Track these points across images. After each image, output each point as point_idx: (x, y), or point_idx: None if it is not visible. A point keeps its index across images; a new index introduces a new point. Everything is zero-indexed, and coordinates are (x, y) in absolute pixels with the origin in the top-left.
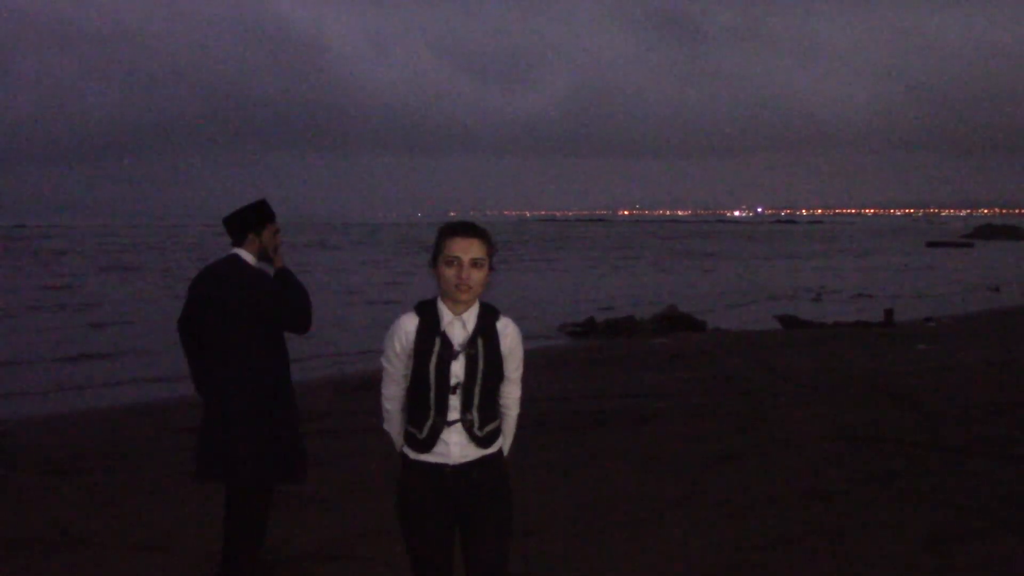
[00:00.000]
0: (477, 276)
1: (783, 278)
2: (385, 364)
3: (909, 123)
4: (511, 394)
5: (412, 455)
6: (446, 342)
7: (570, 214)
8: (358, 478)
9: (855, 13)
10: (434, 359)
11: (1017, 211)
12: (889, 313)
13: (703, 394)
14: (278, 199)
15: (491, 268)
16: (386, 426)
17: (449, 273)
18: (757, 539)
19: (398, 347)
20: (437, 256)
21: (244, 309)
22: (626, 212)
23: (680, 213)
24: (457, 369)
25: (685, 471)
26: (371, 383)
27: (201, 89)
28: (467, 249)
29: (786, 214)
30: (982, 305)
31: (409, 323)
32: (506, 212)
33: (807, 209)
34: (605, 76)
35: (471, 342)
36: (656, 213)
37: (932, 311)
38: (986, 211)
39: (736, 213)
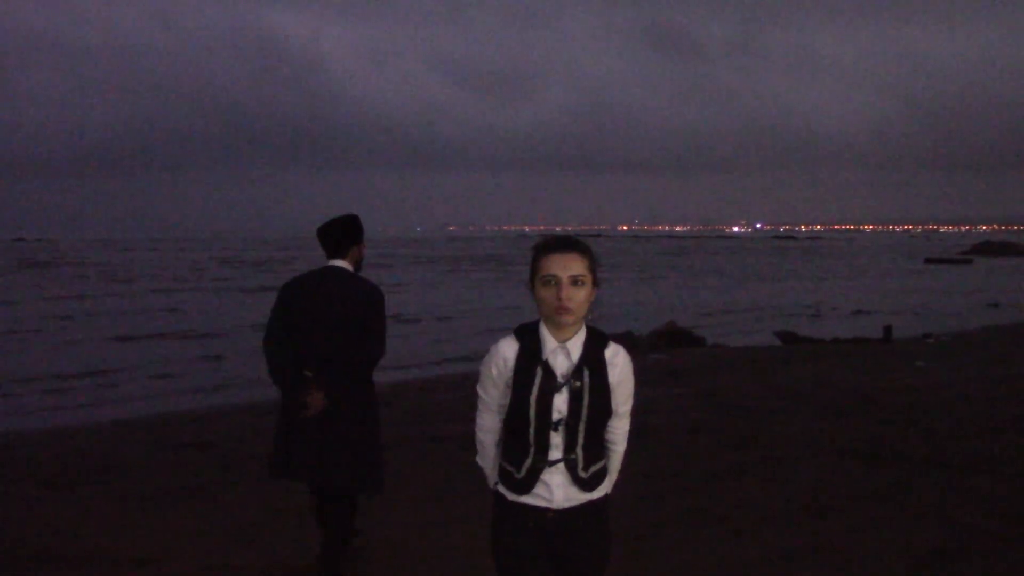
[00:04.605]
0: (579, 296)
1: (782, 294)
2: (480, 392)
3: (908, 139)
4: (618, 429)
5: (510, 496)
6: (548, 372)
7: (569, 229)
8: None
9: (853, 29)
10: (535, 391)
11: (1016, 227)
12: (888, 329)
13: (701, 410)
14: (276, 215)
15: (595, 284)
16: (479, 460)
17: (547, 294)
18: (757, 556)
19: (495, 374)
20: (534, 277)
21: (358, 317)
22: (625, 227)
23: (679, 228)
24: (560, 403)
25: (684, 487)
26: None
27: (198, 104)
28: (566, 266)
29: (784, 230)
30: (981, 321)
31: (508, 349)
32: (505, 227)
33: (806, 225)
34: (603, 91)
35: (576, 373)
36: (655, 228)
37: (931, 327)
38: (985, 227)
39: (735, 229)
